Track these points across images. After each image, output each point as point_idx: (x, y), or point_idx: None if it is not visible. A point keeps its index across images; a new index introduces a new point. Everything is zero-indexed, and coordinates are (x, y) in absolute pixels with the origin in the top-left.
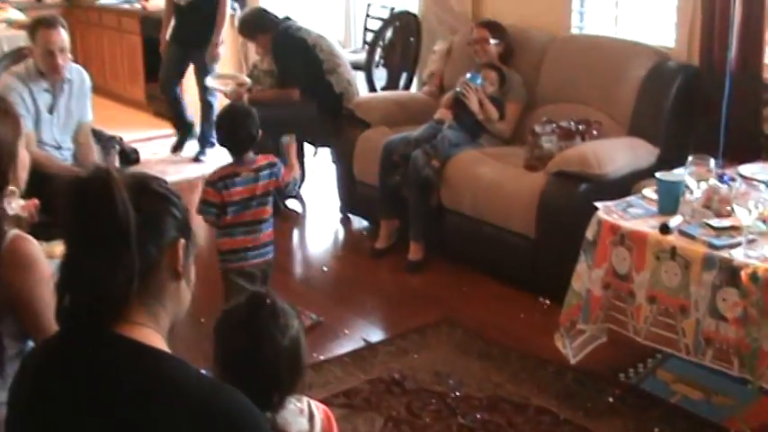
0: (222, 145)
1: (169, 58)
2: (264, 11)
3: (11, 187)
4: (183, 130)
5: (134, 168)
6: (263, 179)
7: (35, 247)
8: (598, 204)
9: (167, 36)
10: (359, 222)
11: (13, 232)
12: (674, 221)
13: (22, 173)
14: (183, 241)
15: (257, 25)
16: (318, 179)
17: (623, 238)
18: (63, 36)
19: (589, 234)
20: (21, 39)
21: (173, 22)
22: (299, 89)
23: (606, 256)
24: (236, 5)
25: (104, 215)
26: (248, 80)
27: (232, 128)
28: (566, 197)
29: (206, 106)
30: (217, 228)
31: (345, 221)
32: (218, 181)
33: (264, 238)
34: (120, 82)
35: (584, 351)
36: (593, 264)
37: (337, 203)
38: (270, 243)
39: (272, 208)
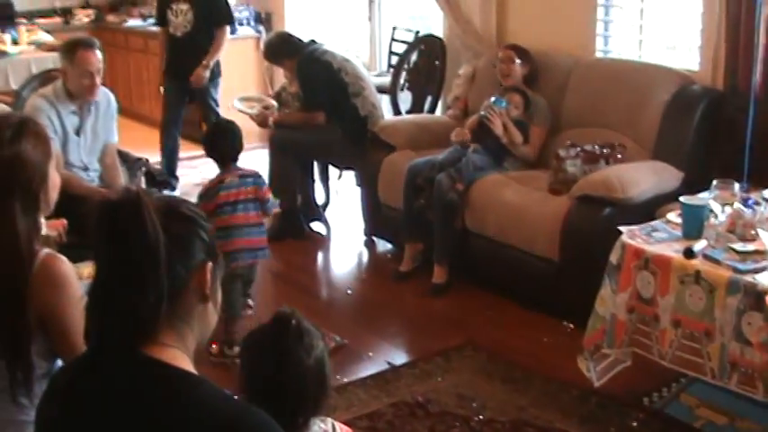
0: (209, 156)
1: (169, 97)
2: (289, 35)
3: None
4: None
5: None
6: (248, 185)
7: (67, 266)
8: (622, 228)
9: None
10: (383, 245)
11: (45, 251)
12: (699, 246)
13: (53, 194)
14: (210, 264)
15: (282, 50)
16: (343, 202)
17: (647, 263)
18: (99, 57)
19: (613, 258)
20: (49, 61)
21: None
22: (324, 113)
23: (630, 280)
24: (262, 29)
25: (134, 237)
26: (274, 103)
27: (216, 142)
28: (590, 221)
29: None
30: None
31: (370, 244)
32: (206, 193)
33: (257, 242)
34: (146, 104)
35: (608, 375)
36: (617, 288)
37: (362, 226)
38: (263, 248)
39: (260, 216)
